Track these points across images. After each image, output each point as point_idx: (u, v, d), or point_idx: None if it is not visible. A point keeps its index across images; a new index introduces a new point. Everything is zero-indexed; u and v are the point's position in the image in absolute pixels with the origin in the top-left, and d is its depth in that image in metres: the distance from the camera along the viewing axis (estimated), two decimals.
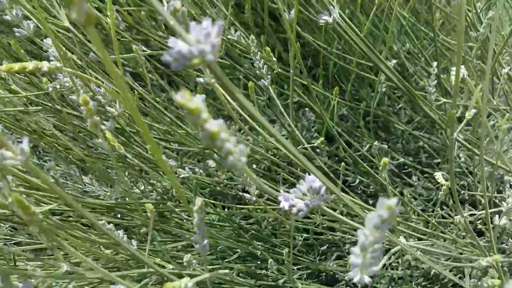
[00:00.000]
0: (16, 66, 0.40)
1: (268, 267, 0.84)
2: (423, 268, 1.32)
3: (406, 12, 0.94)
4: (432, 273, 1.23)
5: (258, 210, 1.08)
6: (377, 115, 1.28)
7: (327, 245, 1.23)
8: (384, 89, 1.00)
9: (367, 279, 0.40)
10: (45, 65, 0.43)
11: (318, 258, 1.22)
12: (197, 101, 0.24)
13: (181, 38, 0.28)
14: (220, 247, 1.02)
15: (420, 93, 1.08)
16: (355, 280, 0.40)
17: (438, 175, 0.67)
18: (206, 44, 0.27)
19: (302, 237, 1.12)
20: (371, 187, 1.39)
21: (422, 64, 1.29)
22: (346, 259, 1.28)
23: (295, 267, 1.05)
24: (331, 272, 1.26)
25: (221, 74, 0.29)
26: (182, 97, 0.24)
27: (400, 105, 1.23)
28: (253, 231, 1.01)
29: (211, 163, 1.03)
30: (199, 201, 0.43)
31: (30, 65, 0.42)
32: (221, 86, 0.49)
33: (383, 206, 0.28)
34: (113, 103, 0.63)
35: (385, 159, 0.48)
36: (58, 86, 0.55)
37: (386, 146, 1.22)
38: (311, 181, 0.40)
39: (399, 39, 1.13)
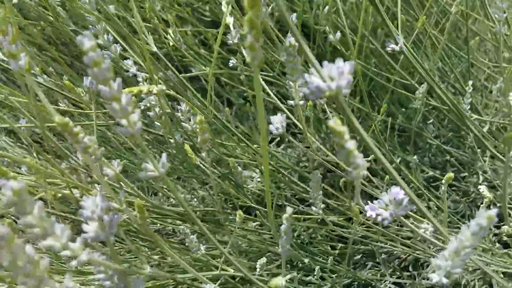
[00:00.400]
0: (135, 89, 0.46)
1: (315, 274, 0.88)
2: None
3: (445, 36, 1.00)
4: (462, 283, 1.27)
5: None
6: (408, 129, 1.33)
7: (361, 255, 1.27)
8: (418, 106, 1.06)
9: (445, 281, 0.45)
10: (155, 88, 0.49)
11: (351, 267, 1.27)
12: (343, 126, 0.30)
13: (316, 73, 0.34)
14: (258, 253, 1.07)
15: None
16: (434, 280, 0.45)
17: (483, 188, 0.72)
18: (342, 80, 0.32)
19: (338, 246, 1.17)
20: None
21: (450, 80, 1.35)
22: (377, 268, 1.33)
23: (333, 275, 1.09)
24: (363, 282, 1.31)
25: (345, 105, 0.35)
26: (334, 122, 0.29)
27: (431, 120, 1.28)
28: (294, 239, 1.06)
29: (254, 174, 1.08)
30: (290, 209, 0.49)
31: (145, 88, 0.48)
32: (341, 113, 0.54)
33: (483, 216, 0.34)
34: (187, 120, 0.69)
35: (450, 174, 0.53)
36: (148, 105, 0.61)
37: (417, 160, 1.26)
38: (395, 193, 0.45)
39: (432, 59, 1.19)
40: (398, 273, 1.33)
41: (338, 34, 0.94)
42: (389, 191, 0.46)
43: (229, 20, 0.68)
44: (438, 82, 0.72)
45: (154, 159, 0.40)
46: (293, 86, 0.46)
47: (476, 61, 1.25)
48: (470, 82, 1.04)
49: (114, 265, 0.43)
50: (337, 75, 0.33)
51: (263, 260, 0.60)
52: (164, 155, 0.40)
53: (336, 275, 1.10)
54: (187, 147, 0.65)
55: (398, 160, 1.33)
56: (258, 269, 0.60)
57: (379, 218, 0.46)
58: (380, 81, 1.03)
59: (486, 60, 1.37)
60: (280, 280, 0.46)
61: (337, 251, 1.18)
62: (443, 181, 0.55)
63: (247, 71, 0.84)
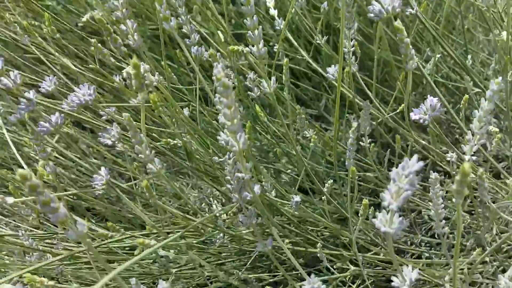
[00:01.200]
0: (235, 48, 0.66)
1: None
2: None
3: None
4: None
5: None
6: None
7: None
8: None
9: (474, 158, 0.61)
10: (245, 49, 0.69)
11: None
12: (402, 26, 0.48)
13: (376, 3, 0.52)
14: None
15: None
16: (467, 158, 0.61)
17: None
18: (395, 2, 0.51)
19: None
20: None
21: (449, 64, 1.55)
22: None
23: None
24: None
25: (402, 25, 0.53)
26: (397, 22, 0.48)
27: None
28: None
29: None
30: (355, 123, 0.66)
31: (241, 47, 0.67)
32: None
33: (494, 83, 0.51)
34: (254, 88, 0.87)
35: (466, 96, 0.71)
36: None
37: None
38: (430, 100, 0.63)
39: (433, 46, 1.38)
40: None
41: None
42: (426, 101, 0.64)
43: (274, 12, 0.87)
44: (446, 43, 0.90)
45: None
46: (347, 34, 0.65)
47: (472, 46, 1.45)
48: (469, 56, 1.24)
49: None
50: (390, 1, 0.52)
51: (330, 180, 0.77)
52: (273, 78, 0.58)
53: None
54: (257, 107, 0.83)
55: None
56: (326, 188, 0.77)
57: (421, 120, 0.63)
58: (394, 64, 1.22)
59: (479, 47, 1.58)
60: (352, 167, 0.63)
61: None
62: (461, 105, 0.73)
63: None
